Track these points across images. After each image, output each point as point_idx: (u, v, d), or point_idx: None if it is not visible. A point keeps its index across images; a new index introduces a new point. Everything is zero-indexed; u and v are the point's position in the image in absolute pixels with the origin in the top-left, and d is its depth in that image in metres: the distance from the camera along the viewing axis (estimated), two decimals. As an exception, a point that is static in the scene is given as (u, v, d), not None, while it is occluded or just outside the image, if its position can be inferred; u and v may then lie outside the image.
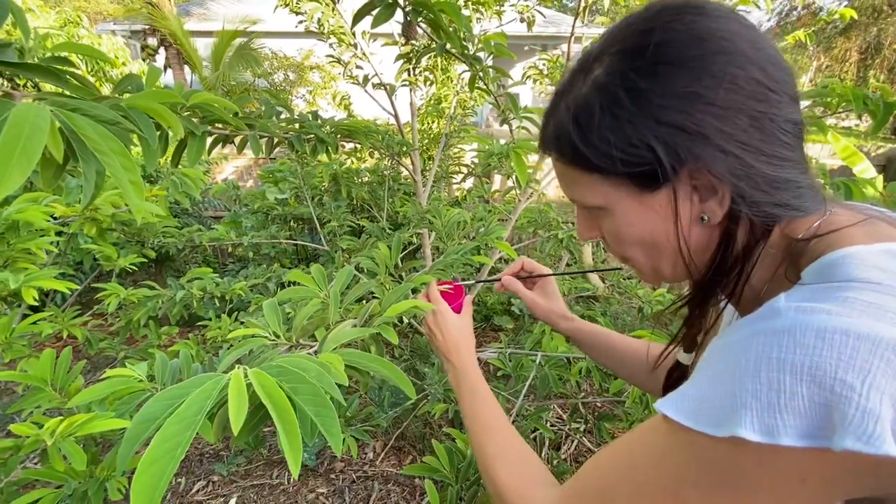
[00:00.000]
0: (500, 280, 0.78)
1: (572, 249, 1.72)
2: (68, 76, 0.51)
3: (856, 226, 0.37)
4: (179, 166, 1.97)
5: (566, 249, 1.72)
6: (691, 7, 0.38)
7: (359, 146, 1.33)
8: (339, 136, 1.06)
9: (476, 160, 2.19)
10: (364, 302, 0.65)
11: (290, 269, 3.20)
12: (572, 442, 2.05)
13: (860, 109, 1.42)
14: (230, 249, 3.78)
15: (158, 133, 0.53)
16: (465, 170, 2.27)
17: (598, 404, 1.99)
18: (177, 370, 0.97)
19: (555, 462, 1.71)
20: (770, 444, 0.28)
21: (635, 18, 0.40)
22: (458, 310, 0.71)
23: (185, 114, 0.66)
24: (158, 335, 1.50)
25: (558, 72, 1.73)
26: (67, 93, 0.51)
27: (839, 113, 1.53)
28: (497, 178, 4.19)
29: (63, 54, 0.54)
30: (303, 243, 2.21)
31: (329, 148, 1.04)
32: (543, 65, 2.05)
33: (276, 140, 0.90)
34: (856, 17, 1.89)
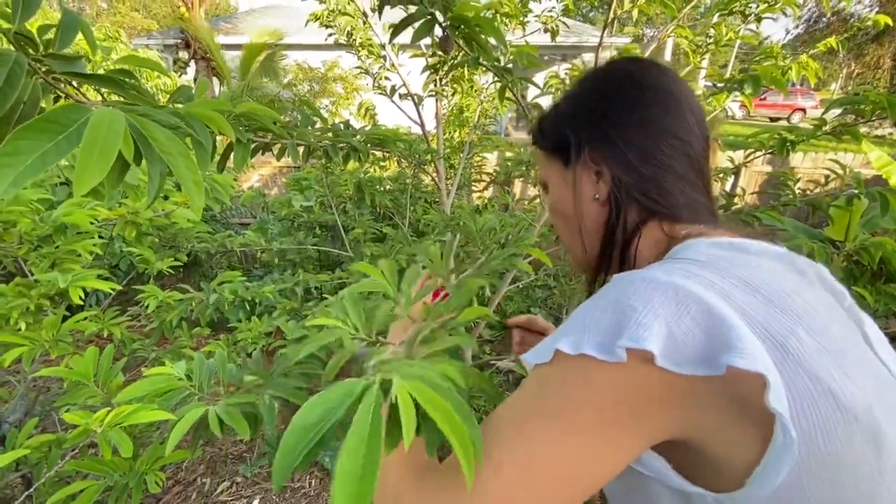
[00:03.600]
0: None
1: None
2: (130, 87, 0.55)
3: (707, 232, 0.48)
4: (211, 172, 2.05)
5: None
6: (626, 60, 0.56)
7: (384, 154, 1.35)
8: (369, 144, 1.10)
9: (498, 168, 2.21)
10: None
11: (314, 274, 3.27)
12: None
13: (896, 117, 1.38)
14: (258, 255, 3.87)
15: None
16: (486, 178, 2.29)
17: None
18: (213, 370, 1.01)
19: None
20: (577, 353, 0.35)
21: (601, 65, 0.59)
22: None
23: (232, 122, 0.70)
24: (190, 336, 1.55)
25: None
26: (129, 101, 0.55)
27: (873, 121, 1.49)
28: (518, 185, 4.19)
29: (124, 67, 0.58)
30: (327, 250, 2.25)
31: (361, 156, 1.07)
32: (565, 74, 2.06)
33: (311, 148, 0.93)
34: (891, 23, 1.85)
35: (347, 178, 2.41)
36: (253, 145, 0.84)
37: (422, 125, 1.63)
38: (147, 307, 1.39)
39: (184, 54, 10.77)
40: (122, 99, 0.55)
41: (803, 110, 17.27)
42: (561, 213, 0.58)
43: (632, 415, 0.34)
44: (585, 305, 0.39)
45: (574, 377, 0.36)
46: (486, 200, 2.86)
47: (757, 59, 1.87)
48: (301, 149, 0.90)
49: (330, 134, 0.99)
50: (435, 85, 1.53)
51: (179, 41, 10.74)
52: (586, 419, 0.34)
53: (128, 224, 1.29)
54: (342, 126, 1.04)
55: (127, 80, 0.54)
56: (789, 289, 0.38)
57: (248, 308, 1.62)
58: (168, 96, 0.66)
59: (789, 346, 0.34)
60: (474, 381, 0.43)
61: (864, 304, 1.33)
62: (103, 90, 0.54)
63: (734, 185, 5.75)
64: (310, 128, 0.95)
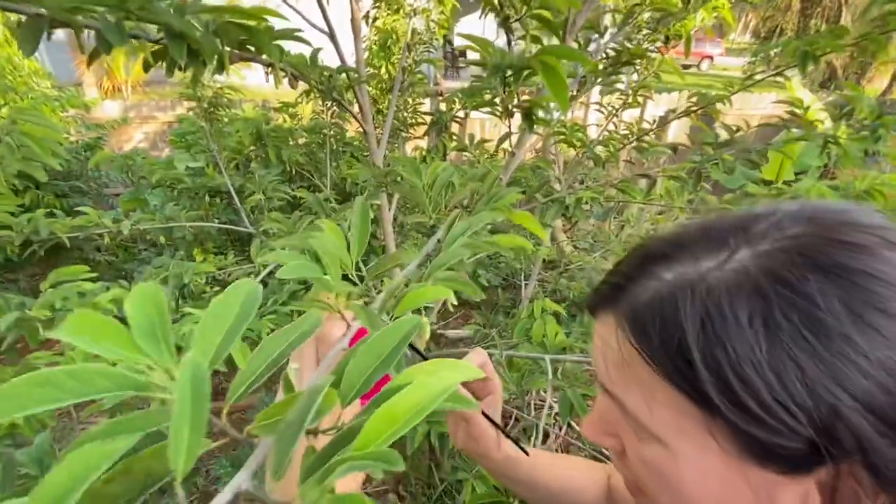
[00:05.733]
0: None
1: (574, 218, 1.34)
2: None
3: None
4: (18, 122, 1.40)
5: (567, 220, 1.34)
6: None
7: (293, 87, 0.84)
8: (224, 40, 0.59)
9: (444, 107, 1.73)
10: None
11: (215, 255, 2.64)
12: None
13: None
14: (147, 234, 3.12)
15: None
16: (425, 120, 1.81)
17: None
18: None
19: None
20: None
21: (831, 215, 0.28)
22: None
23: None
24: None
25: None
26: None
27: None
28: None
29: None
30: (210, 225, 1.68)
31: (205, 60, 0.56)
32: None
33: (57, 23, 0.42)
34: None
35: (241, 127, 1.82)
36: None
37: (331, 34, 1.10)
38: None
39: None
40: None
41: (711, 57, 18.17)
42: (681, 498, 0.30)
43: None
44: None
45: None
46: (423, 151, 2.38)
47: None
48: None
49: (129, 5, 0.47)
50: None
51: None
52: None
53: None
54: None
55: None
56: None
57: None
58: None
59: None
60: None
61: None
62: None
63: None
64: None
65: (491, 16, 0.99)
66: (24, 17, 0.42)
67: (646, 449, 0.32)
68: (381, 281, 0.45)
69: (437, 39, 1.89)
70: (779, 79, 1.53)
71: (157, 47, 0.56)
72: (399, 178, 0.98)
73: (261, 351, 0.27)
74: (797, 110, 1.48)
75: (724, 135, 1.42)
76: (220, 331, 0.25)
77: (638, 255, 0.33)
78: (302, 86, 1.01)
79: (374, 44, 2.33)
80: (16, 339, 1.08)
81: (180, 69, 0.61)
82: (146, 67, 0.58)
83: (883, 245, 0.26)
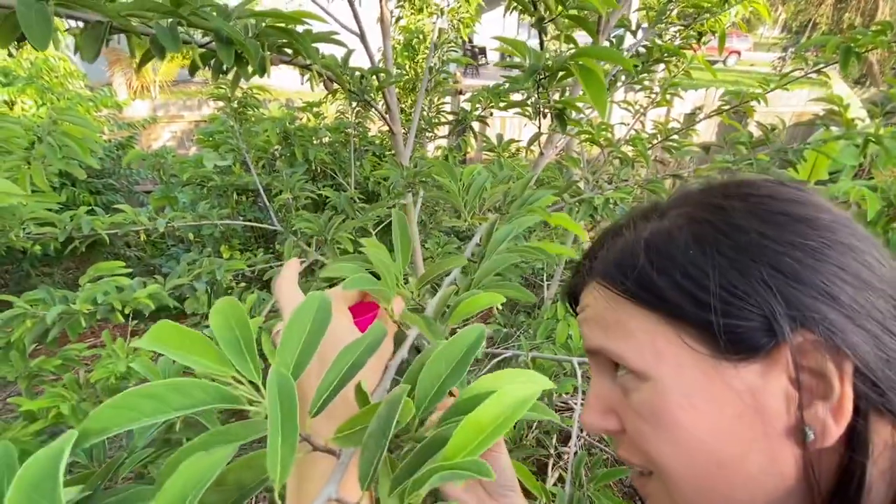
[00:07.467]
0: None
1: (600, 218, 1.32)
2: None
3: None
4: (59, 123, 1.45)
5: (591, 219, 1.32)
6: (777, 186, 0.34)
7: (320, 86, 0.85)
8: (265, 43, 0.60)
9: (466, 105, 1.73)
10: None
11: (240, 251, 2.69)
12: None
13: None
14: (176, 231, 3.21)
15: None
16: (449, 118, 1.81)
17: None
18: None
19: None
20: None
21: (727, 181, 0.36)
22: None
23: None
24: (25, 364, 1.03)
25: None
26: None
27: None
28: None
29: None
30: (240, 223, 1.72)
31: (249, 62, 0.58)
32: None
33: (115, 30, 0.43)
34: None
35: (269, 126, 1.85)
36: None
37: (362, 35, 1.12)
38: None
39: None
40: None
41: (738, 52, 17.66)
42: (695, 443, 0.30)
43: None
44: None
45: None
46: (445, 151, 2.38)
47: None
48: (84, 30, 0.40)
49: (173, 9, 0.49)
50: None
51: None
52: None
53: None
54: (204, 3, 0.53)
55: None
56: None
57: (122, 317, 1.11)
58: None
59: None
60: None
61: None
62: None
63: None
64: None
65: (514, 14, 0.99)
66: (83, 25, 0.44)
67: (635, 398, 0.33)
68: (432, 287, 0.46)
69: (462, 38, 1.88)
70: (812, 74, 1.48)
71: (202, 51, 0.57)
72: (428, 180, 0.99)
73: (334, 366, 0.28)
74: (836, 107, 1.43)
75: (757, 133, 1.38)
76: (297, 342, 0.26)
77: (598, 237, 0.39)
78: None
79: (398, 43, 2.34)
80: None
81: (223, 73, 0.63)
82: (192, 70, 0.60)
83: (777, 194, 0.33)
